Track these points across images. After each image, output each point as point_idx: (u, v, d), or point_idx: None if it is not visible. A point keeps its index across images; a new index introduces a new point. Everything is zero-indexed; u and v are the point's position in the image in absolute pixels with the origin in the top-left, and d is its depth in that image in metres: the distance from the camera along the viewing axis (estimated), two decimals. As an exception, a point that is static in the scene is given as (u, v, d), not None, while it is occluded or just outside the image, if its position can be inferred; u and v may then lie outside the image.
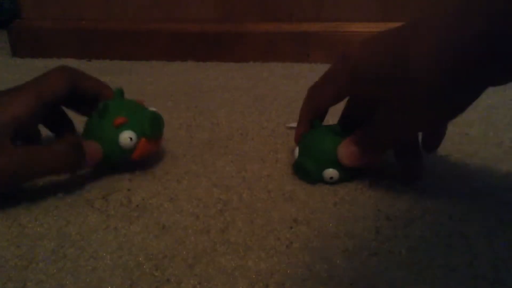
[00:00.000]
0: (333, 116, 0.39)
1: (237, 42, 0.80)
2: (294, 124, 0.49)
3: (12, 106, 0.32)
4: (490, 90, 0.29)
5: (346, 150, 0.34)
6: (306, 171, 0.36)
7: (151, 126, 0.36)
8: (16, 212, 0.32)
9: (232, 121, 0.50)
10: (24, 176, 0.32)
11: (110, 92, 0.39)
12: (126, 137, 0.35)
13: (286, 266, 0.26)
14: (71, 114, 0.41)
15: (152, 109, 0.38)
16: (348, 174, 0.35)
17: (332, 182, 0.35)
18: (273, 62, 0.79)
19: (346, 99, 0.37)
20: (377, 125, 0.33)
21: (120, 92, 0.38)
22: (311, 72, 0.73)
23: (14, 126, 0.32)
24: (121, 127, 0.35)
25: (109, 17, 0.83)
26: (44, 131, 0.41)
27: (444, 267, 0.26)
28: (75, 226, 0.30)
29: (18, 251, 0.28)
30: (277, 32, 0.78)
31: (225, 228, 0.30)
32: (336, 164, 0.35)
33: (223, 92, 0.62)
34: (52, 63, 0.81)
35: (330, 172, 0.35)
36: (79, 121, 0.41)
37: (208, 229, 0.30)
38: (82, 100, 0.38)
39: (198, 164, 0.40)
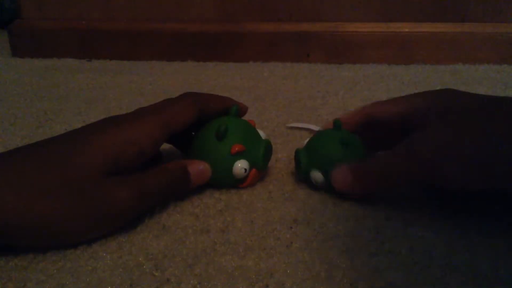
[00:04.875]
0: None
1: (237, 42, 0.80)
2: (294, 124, 0.49)
3: (135, 136, 0.30)
4: (489, 91, 0.28)
5: (340, 176, 0.32)
6: (298, 162, 0.35)
7: (264, 159, 0.35)
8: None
9: (232, 121, 0.50)
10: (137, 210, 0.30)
11: (230, 104, 0.37)
12: (241, 167, 0.33)
13: (286, 266, 0.26)
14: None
15: (261, 133, 0.37)
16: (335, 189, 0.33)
17: (317, 187, 0.34)
18: (273, 62, 0.79)
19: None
20: (389, 160, 0.31)
21: (236, 110, 0.36)
22: (311, 72, 0.73)
23: (139, 160, 0.30)
24: (237, 156, 0.34)
25: (109, 17, 0.83)
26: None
27: (444, 267, 0.26)
28: (75, 226, 0.30)
29: (18, 251, 0.28)
30: (277, 32, 0.78)
31: (225, 228, 0.30)
32: (324, 170, 0.33)
33: (223, 92, 0.62)
34: (52, 63, 0.81)
35: (315, 175, 0.34)
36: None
37: (208, 229, 0.30)
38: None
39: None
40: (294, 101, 0.58)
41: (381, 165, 0.31)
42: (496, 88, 0.60)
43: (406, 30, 0.76)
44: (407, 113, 0.32)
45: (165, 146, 0.38)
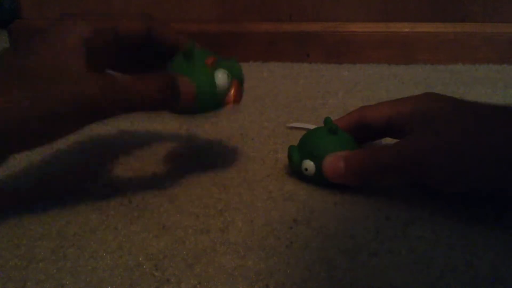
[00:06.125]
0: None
1: (237, 42, 0.80)
2: (294, 124, 0.49)
3: (79, 26, 0.29)
4: (487, 95, 0.28)
5: (332, 163, 0.33)
6: (290, 157, 0.36)
7: (240, 68, 0.34)
8: (17, 212, 0.32)
9: (232, 121, 0.50)
10: (108, 108, 0.28)
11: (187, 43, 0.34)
12: (223, 75, 0.32)
13: (286, 266, 0.26)
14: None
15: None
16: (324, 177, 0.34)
17: (308, 176, 0.35)
18: (273, 62, 0.79)
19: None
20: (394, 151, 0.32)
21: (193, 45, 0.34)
22: (311, 72, 0.73)
23: (85, 47, 0.28)
24: (215, 66, 0.32)
25: (109, 17, 0.83)
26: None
27: (444, 267, 0.26)
28: (75, 226, 0.30)
29: (18, 251, 0.28)
30: (277, 32, 0.78)
31: (225, 228, 0.30)
32: (315, 158, 0.34)
33: (223, 92, 0.62)
34: (52, 63, 0.81)
35: (306, 163, 0.35)
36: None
37: (208, 229, 0.30)
38: (158, 51, 0.34)
39: (198, 164, 0.40)
40: (294, 101, 0.58)
41: (374, 157, 0.33)
42: (496, 88, 0.60)
43: (406, 30, 0.76)
44: (391, 117, 0.34)
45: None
